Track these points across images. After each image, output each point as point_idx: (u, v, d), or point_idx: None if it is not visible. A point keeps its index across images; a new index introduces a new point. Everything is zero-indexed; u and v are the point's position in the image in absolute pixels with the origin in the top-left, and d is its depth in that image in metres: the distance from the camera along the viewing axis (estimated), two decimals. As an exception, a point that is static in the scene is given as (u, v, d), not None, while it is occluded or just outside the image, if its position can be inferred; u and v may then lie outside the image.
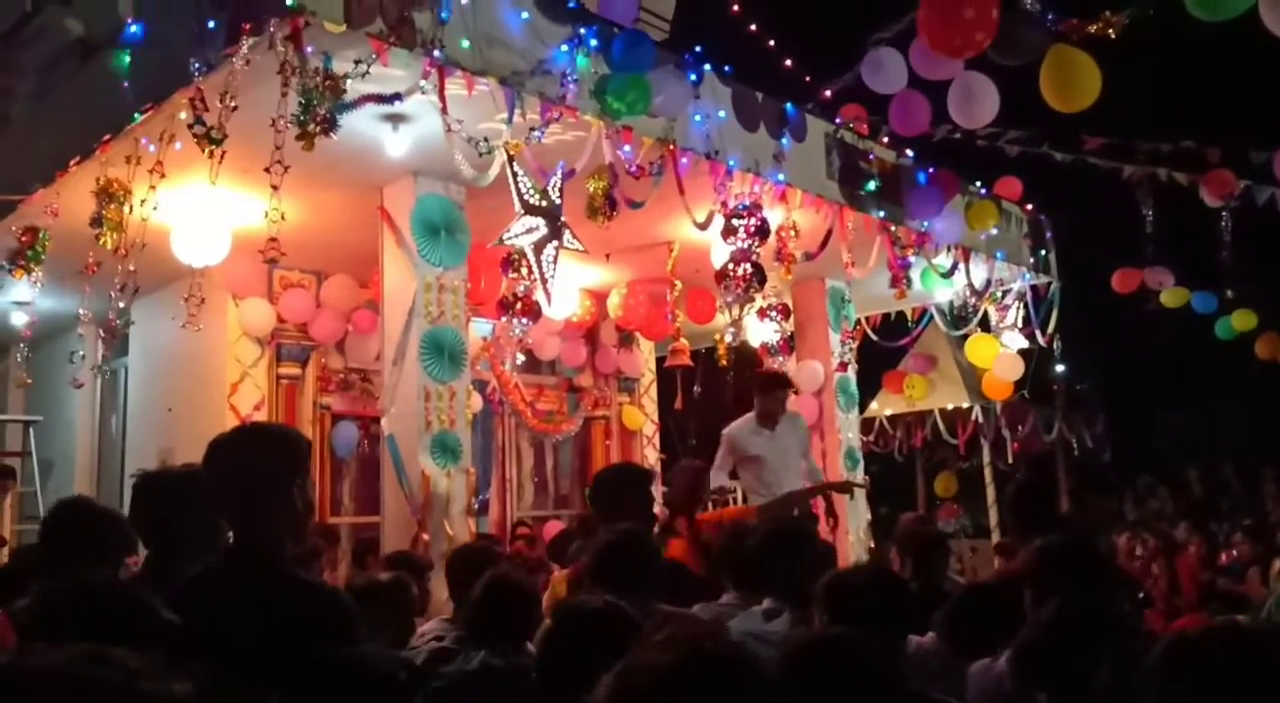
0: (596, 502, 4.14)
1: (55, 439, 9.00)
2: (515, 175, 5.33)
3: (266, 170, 4.38)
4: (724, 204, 6.16)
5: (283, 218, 4.54)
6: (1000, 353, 9.33)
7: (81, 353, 6.28)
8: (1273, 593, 3.47)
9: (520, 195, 5.37)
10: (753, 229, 6.14)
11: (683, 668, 1.43)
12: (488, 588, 3.15)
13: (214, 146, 4.37)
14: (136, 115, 4.99)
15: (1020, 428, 11.34)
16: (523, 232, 5.47)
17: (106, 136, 5.25)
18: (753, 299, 6.46)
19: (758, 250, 6.24)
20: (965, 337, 9.51)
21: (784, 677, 1.95)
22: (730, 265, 6.19)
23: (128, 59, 4.92)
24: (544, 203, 5.49)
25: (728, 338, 6.77)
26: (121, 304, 5.36)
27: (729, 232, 6.16)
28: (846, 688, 1.89)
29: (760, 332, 7.56)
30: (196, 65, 4.54)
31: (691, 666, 1.44)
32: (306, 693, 1.77)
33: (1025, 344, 9.37)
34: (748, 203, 6.20)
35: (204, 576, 2.40)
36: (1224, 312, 10.53)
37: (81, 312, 5.85)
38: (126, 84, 4.94)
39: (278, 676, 1.93)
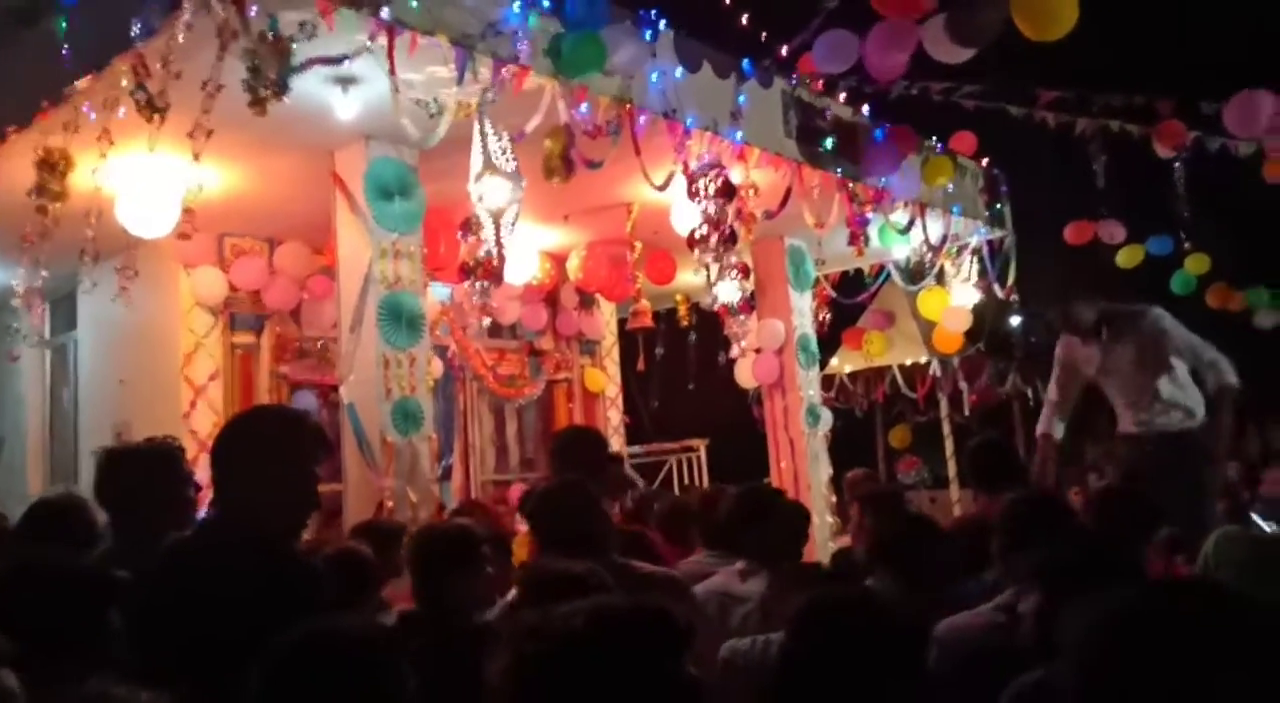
0: (554, 462, 4.14)
1: (5, 415, 8.82)
2: (485, 135, 5.25)
3: (190, 136, 4.27)
4: (684, 164, 6.12)
5: (200, 189, 4.44)
6: (948, 306, 9.43)
7: (16, 326, 6.14)
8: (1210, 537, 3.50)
9: (488, 155, 5.29)
10: (716, 189, 6.10)
11: (588, 630, 1.40)
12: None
13: (156, 115, 4.26)
14: (76, 83, 4.84)
15: (976, 381, 11.51)
16: (486, 193, 5.40)
17: (45, 104, 5.09)
18: (725, 259, 6.44)
19: (726, 211, 6.22)
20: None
21: (796, 636, 1.87)
22: (705, 229, 6.17)
23: (65, 24, 4.76)
24: (510, 165, 5.41)
25: (707, 301, 6.72)
26: (42, 273, 5.23)
27: (694, 192, 6.12)
28: (865, 652, 1.77)
29: (721, 291, 7.56)
30: (137, 30, 4.40)
31: (596, 626, 1.40)
32: (291, 661, 1.74)
33: (979, 297, 9.48)
34: (710, 161, 6.16)
35: (180, 544, 2.40)
36: (1179, 260, 10.72)
37: (15, 283, 5.71)
38: (65, 50, 4.78)
39: (252, 645, 1.91)
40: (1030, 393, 12.07)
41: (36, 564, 2.21)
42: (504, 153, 5.35)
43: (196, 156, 4.32)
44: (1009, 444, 4.89)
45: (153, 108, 4.25)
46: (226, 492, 2.35)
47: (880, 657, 1.77)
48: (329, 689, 1.70)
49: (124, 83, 4.50)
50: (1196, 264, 10.71)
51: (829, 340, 10.16)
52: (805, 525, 3.62)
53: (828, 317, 9.41)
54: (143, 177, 5.36)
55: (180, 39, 4.23)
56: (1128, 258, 10.60)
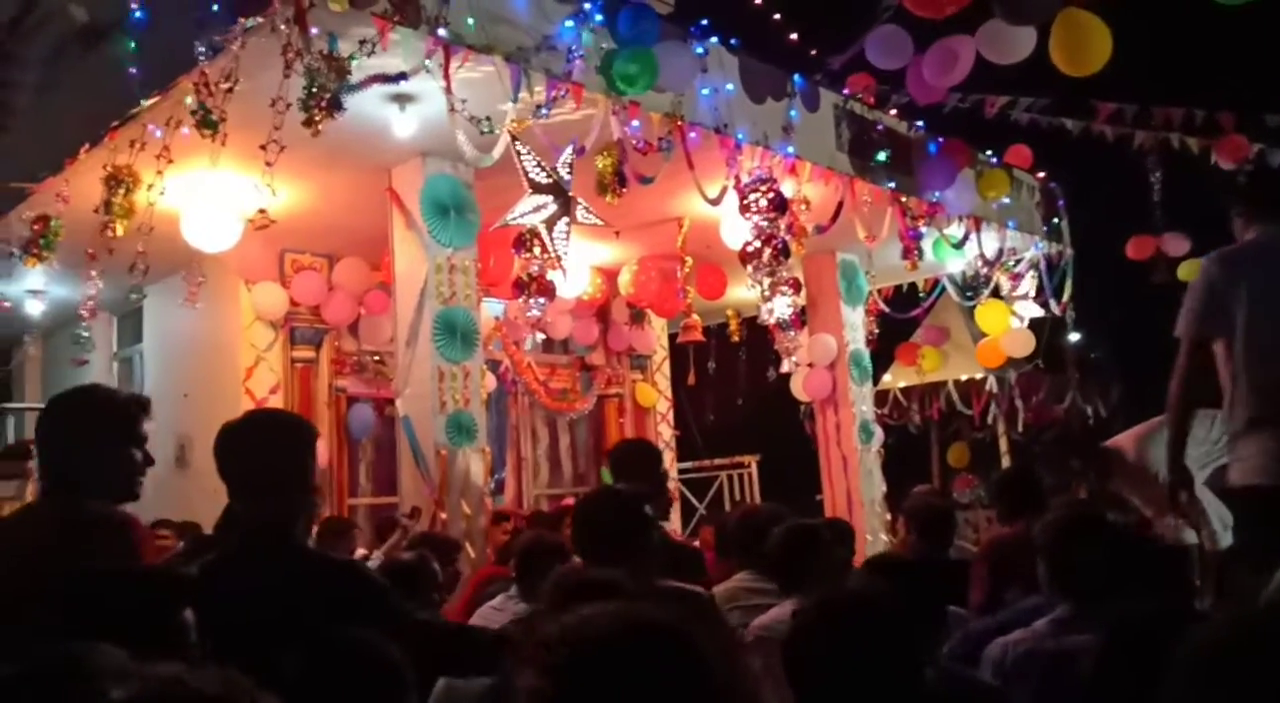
0: (613, 474, 4.15)
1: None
2: (519, 154, 5.33)
3: (262, 148, 4.38)
4: (736, 179, 6.14)
5: (273, 193, 4.54)
6: (1011, 327, 9.30)
7: (86, 333, 6.32)
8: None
9: (526, 174, 5.37)
10: (768, 204, 6.11)
11: (613, 637, 1.41)
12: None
13: (209, 131, 4.38)
14: (143, 101, 4.99)
15: (1033, 398, 11.32)
16: (529, 210, 5.48)
17: (114, 123, 5.25)
18: (777, 274, 6.43)
19: (779, 226, 6.22)
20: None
21: (797, 634, 1.90)
22: (758, 245, 6.18)
23: (133, 45, 4.91)
24: (551, 180, 5.48)
25: (763, 316, 6.71)
26: (128, 290, 5.37)
27: (745, 207, 6.13)
28: (860, 649, 1.81)
29: (775, 307, 7.54)
30: (201, 50, 4.53)
31: (621, 635, 1.42)
32: (302, 670, 1.80)
33: (1040, 313, 9.33)
34: (761, 175, 6.17)
35: (224, 558, 2.44)
36: None
37: (84, 296, 5.88)
38: (133, 71, 4.93)
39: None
40: (1089, 411, 11.85)
41: (107, 569, 2.25)
42: (546, 169, 5.43)
43: (270, 164, 4.43)
44: (1035, 475, 4.71)
45: (206, 124, 4.37)
46: (254, 505, 2.41)
47: (866, 639, 1.83)
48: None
49: (187, 101, 4.64)
50: None
51: (881, 355, 10.06)
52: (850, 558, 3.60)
53: (875, 330, 9.30)
54: (206, 193, 5.51)
55: (243, 58, 4.35)
56: (1189, 272, 10.39)
